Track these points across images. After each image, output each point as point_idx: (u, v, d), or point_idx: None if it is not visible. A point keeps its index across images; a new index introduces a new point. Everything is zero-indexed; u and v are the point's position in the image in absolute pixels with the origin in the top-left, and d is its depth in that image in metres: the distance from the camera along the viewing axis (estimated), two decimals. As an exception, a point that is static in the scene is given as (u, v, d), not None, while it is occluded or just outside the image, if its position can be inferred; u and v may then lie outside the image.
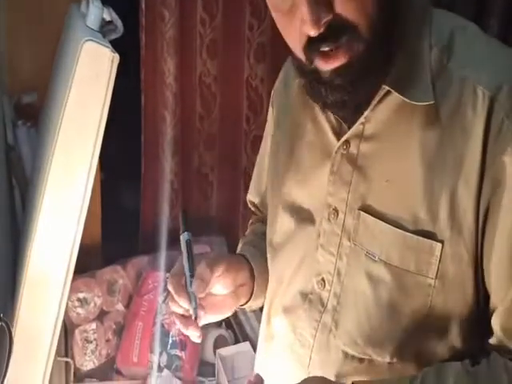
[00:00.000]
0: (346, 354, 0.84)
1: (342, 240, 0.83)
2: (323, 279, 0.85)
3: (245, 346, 1.53)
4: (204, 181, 1.85)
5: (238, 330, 1.63)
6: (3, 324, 0.73)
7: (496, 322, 0.75)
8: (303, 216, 0.88)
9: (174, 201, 1.81)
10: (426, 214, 0.75)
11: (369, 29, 0.72)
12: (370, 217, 0.79)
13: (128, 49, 1.40)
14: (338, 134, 0.83)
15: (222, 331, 1.64)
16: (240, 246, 1.06)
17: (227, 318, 1.67)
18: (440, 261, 0.75)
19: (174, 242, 1.71)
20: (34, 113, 1.57)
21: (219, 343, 1.60)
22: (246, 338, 1.58)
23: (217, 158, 1.83)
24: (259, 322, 1.60)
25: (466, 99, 0.73)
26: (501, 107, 0.72)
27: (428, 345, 0.79)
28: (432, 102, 0.74)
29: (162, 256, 1.59)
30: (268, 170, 0.99)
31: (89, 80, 1.03)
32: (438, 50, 0.76)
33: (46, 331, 1.10)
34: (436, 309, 0.77)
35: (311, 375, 0.86)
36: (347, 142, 0.81)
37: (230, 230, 1.86)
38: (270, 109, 1.01)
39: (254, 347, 1.52)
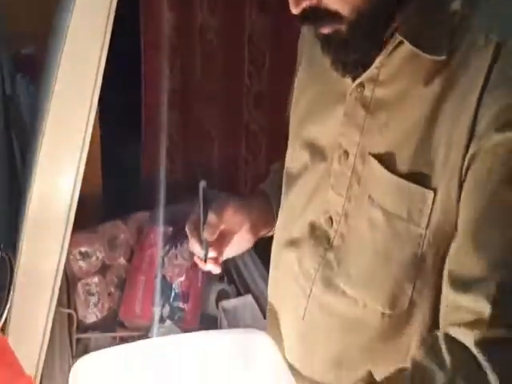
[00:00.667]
0: (344, 293, 0.84)
1: (352, 182, 0.83)
2: (331, 218, 0.86)
3: (247, 298, 1.53)
4: (205, 136, 1.83)
5: (239, 284, 1.63)
6: (4, 255, 0.73)
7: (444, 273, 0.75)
8: (318, 152, 0.89)
9: (174, 156, 1.79)
10: (422, 162, 0.75)
11: (353, 13, 0.74)
12: (376, 162, 0.79)
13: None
14: (354, 78, 0.82)
15: (225, 286, 1.65)
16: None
17: (229, 272, 1.71)
18: (431, 210, 0.74)
19: (175, 196, 1.71)
20: (34, 66, 1.56)
21: (221, 297, 1.61)
22: (247, 291, 1.58)
23: (218, 112, 1.81)
24: (261, 275, 1.62)
25: (476, 49, 0.71)
26: (507, 54, 0.69)
27: (420, 299, 0.79)
28: (443, 58, 0.72)
29: (163, 211, 1.59)
30: (292, 113, 0.99)
31: (86, 26, 1.01)
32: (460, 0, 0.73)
33: (48, 277, 1.09)
34: (427, 260, 0.77)
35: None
36: (362, 84, 0.81)
37: (231, 186, 1.86)
38: (298, 56, 1.01)
39: (257, 300, 1.53)
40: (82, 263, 1.52)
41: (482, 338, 0.68)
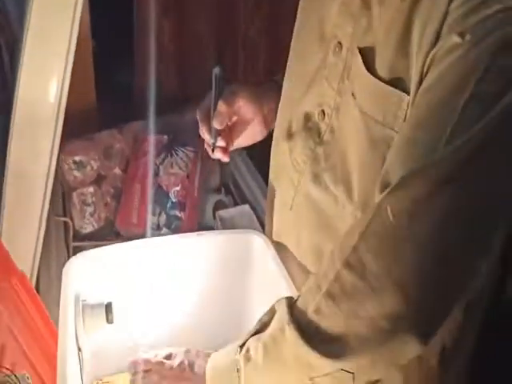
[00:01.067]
0: (327, 189, 0.84)
1: (344, 76, 0.80)
2: (323, 111, 0.84)
3: (244, 207, 1.52)
4: (201, 42, 1.77)
5: (237, 194, 1.62)
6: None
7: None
8: (319, 32, 0.86)
9: (169, 65, 1.74)
10: (399, 65, 0.71)
11: None
12: (359, 58, 0.76)
13: None
14: None
15: (222, 197, 1.63)
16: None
17: (226, 183, 1.69)
18: (406, 114, 0.71)
19: (170, 106, 1.68)
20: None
21: (218, 208, 1.60)
22: (245, 202, 1.57)
23: (214, 17, 1.75)
24: (259, 186, 1.61)
25: None
26: None
27: None
28: None
29: (159, 120, 1.55)
30: None
31: None
32: None
33: (39, 180, 1.08)
34: None
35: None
36: None
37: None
38: None
39: (254, 209, 1.52)
40: (76, 173, 1.50)
41: None
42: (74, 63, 1.06)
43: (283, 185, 0.93)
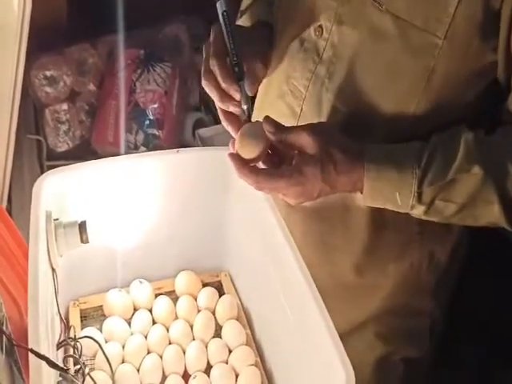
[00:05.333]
0: (336, 109, 0.78)
1: None
2: (321, 26, 0.77)
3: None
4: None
5: (217, 113, 1.56)
6: None
7: None
8: None
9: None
10: None
11: None
12: None
13: None
14: None
15: (202, 115, 1.58)
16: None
17: (206, 102, 1.63)
18: (453, 19, 0.66)
19: (148, 20, 1.59)
20: None
21: (198, 126, 1.55)
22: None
23: None
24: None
25: None
26: None
27: (421, 119, 0.74)
28: None
29: (134, 33, 1.48)
30: None
31: None
32: None
33: (4, 96, 1.01)
34: (437, 75, 0.70)
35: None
36: None
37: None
38: None
39: (234, 128, 1.47)
40: (48, 89, 1.44)
41: None
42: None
43: (281, 114, 0.85)
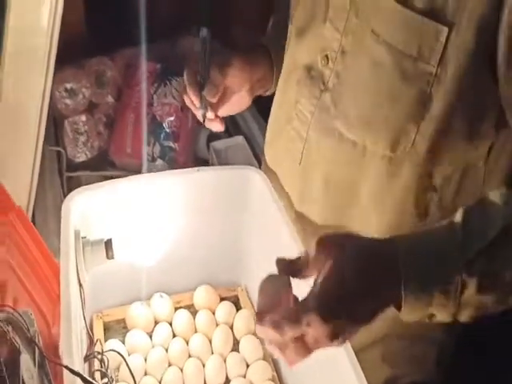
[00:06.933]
0: (341, 137, 0.81)
1: (350, 15, 0.77)
2: (327, 56, 0.81)
3: (238, 139, 1.50)
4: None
5: (231, 125, 1.60)
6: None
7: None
8: None
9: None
10: None
11: None
12: None
13: None
14: None
15: (215, 127, 1.61)
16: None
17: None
18: (445, 47, 0.69)
19: (164, 33, 1.63)
20: None
21: (212, 139, 1.58)
22: (239, 132, 1.56)
23: None
24: (253, 116, 1.59)
25: None
26: None
27: (423, 142, 0.76)
28: None
29: (151, 47, 1.51)
30: None
31: None
32: None
33: (33, 113, 1.05)
34: (435, 100, 0.73)
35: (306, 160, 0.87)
36: None
37: (221, 22, 1.76)
38: None
39: (248, 140, 1.51)
40: (68, 101, 1.47)
41: None
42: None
43: (288, 140, 0.90)
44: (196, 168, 1.00)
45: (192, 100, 0.92)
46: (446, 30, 0.68)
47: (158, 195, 0.96)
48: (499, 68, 0.68)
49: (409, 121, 0.75)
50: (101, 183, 0.94)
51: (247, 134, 1.54)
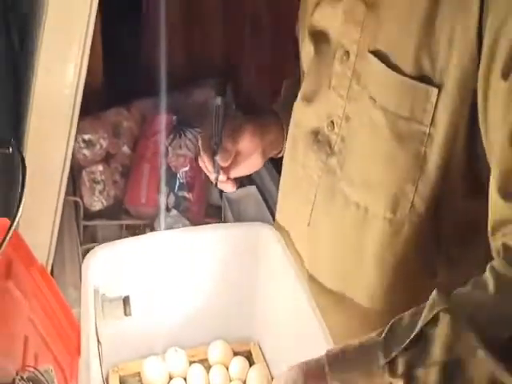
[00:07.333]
0: (346, 199, 0.84)
1: (352, 83, 0.81)
2: (332, 122, 0.85)
3: (251, 189, 1.54)
4: (206, 22, 1.77)
5: (244, 176, 1.63)
6: (16, 153, 0.72)
7: (493, 188, 0.68)
8: (323, 41, 0.87)
9: (176, 42, 1.74)
10: (426, 56, 0.72)
11: None
12: (376, 59, 0.77)
13: None
14: None
15: (228, 175, 1.65)
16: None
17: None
18: (436, 107, 0.72)
19: (178, 85, 1.68)
20: None
21: (225, 187, 1.62)
22: (251, 182, 1.59)
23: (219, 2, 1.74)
24: (265, 167, 1.62)
25: None
26: None
27: (422, 203, 0.78)
28: None
29: (166, 98, 1.56)
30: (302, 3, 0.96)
31: None
32: None
33: (56, 168, 1.09)
34: (430, 161, 0.76)
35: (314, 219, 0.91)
36: None
37: (234, 73, 1.82)
38: None
39: (260, 191, 1.54)
40: (86, 151, 1.52)
41: None
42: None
43: (297, 201, 0.94)
44: (211, 225, 1.04)
45: (205, 164, 0.97)
46: (435, 90, 0.72)
47: (173, 252, 1.00)
48: (479, 117, 0.71)
49: (407, 182, 0.78)
50: (119, 241, 0.98)
51: (259, 184, 1.58)
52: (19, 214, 0.70)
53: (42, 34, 1.02)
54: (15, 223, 0.72)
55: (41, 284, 0.94)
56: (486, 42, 0.67)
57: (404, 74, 0.74)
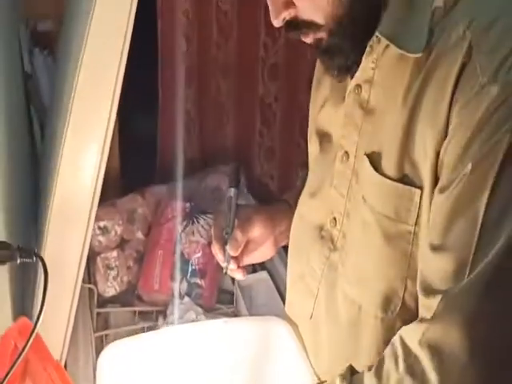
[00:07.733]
0: (345, 296, 0.86)
1: (352, 182, 0.85)
2: (335, 218, 0.89)
3: (262, 274, 1.56)
4: (221, 109, 1.84)
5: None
6: (38, 259, 0.75)
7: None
8: (326, 141, 0.92)
9: (191, 130, 1.80)
10: (408, 161, 0.76)
11: (329, 21, 0.77)
12: (367, 162, 0.81)
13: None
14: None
15: (240, 261, 1.68)
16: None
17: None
18: (419, 207, 0.75)
19: (191, 171, 1.73)
20: (50, 40, 1.56)
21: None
22: (263, 268, 1.61)
23: (233, 86, 1.81)
24: (277, 252, 1.64)
25: (453, 43, 0.71)
26: (477, 54, 0.68)
27: (412, 301, 0.79)
28: (420, 55, 0.73)
29: (180, 185, 1.61)
30: (312, 103, 1.02)
31: (110, 7, 1.00)
32: None
33: (73, 261, 1.12)
34: (417, 259, 0.77)
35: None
36: (359, 86, 0.82)
37: (246, 159, 1.87)
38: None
39: (272, 276, 1.56)
40: (101, 238, 1.55)
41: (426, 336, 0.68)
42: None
43: (301, 293, 0.97)
44: (223, 319, 1.06)
45: (216, 251, 1.01)
46: (418, 192, 0.75)
47: (185, 347, 1.02)
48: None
49: (396, 279, 0.79)
50: (131, 337, 1.00)
51: (271, 270, 1.60)
52: (41, 319, 0.73)
53: (64, 138, 1.07)
54: (36, 329, 0.74)
55: (56, 381, 0.95)
56: (440, 156, 0.71)
57: (388, 177, 0.78)
